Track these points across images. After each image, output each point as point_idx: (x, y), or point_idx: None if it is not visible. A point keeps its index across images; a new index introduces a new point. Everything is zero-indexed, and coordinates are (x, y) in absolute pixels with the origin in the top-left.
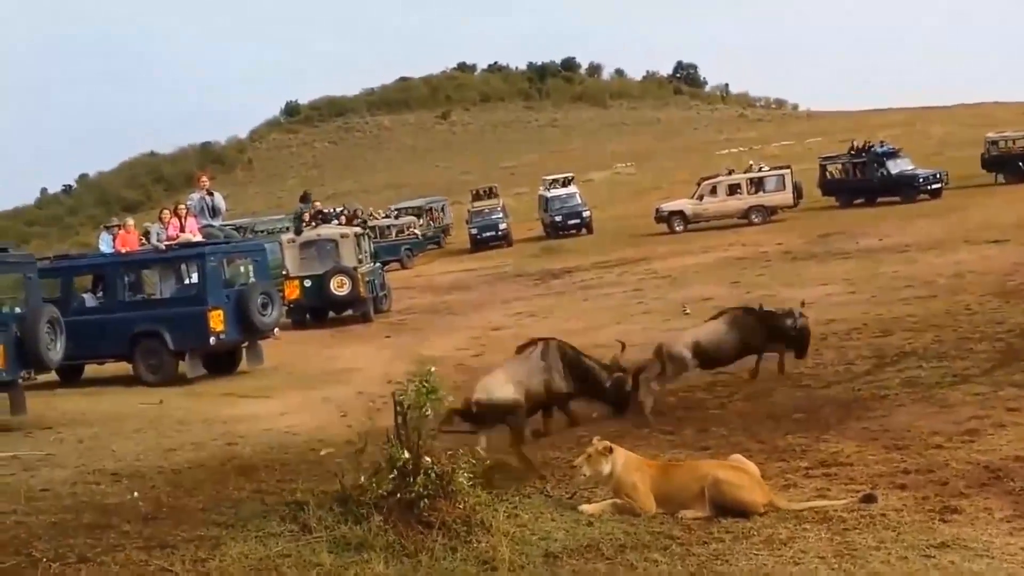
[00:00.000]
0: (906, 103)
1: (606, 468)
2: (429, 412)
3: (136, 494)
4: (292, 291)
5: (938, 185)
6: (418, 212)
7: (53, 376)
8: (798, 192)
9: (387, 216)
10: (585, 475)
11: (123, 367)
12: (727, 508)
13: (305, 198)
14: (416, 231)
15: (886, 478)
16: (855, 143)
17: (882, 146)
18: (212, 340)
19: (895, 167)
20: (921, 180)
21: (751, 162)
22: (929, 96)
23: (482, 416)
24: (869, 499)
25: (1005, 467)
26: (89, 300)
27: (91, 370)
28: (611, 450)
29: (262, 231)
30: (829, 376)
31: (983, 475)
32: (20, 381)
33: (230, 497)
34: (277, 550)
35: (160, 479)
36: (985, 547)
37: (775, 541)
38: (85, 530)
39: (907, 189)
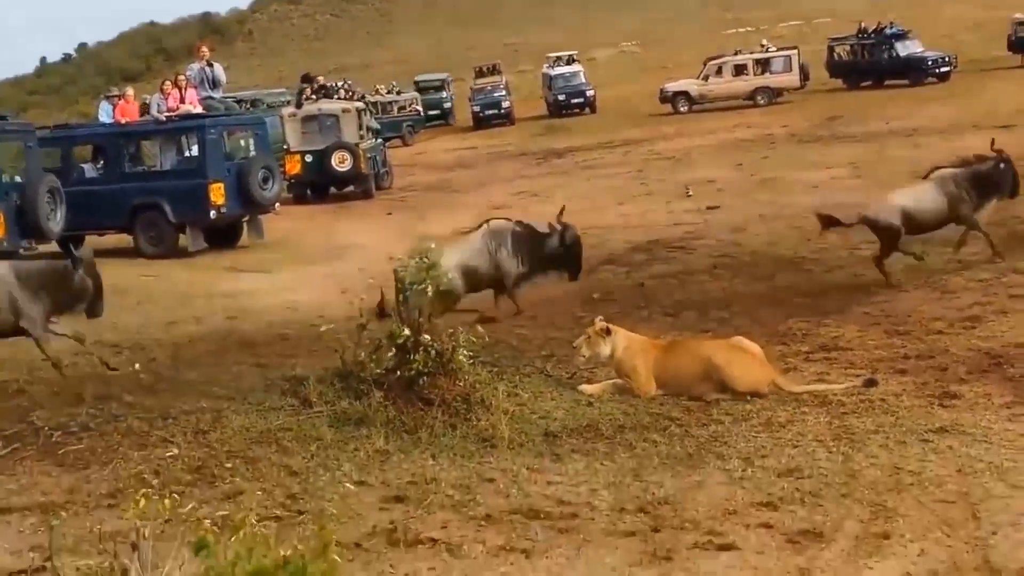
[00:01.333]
0: None
1: (605, 350)
2: (429, 289)
3: (137, 366)
4: (293, 166)
5: (947, 68)
6: (440, 85)
7: (54, 247)
8: (805, 74)
9: (390, 92)
10: (584, 356)
11: (124, 239)
12: (728, 388)
13: (307, 79)
14: (418, 107)
15: (886, 363)
16: (864, 24)
17: (891, 27)
18: (212, 213)
19: (904, 49)
20: (930, 63)
21: (764, 41)
22: None
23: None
24: (870, 383)
25: (1006, 353)
26: (89, 171)
27: (91, 242)
28: (609, 331)
29: (270, 104)
30: (832, 260)
31: (984, 361)
32: (21, 251)
33: (231, 371)
34: (278, 424)
35: (161, 352)
36: (984, 433)
37: (774, 424)
38: (87, 400)
39: (915, 72)
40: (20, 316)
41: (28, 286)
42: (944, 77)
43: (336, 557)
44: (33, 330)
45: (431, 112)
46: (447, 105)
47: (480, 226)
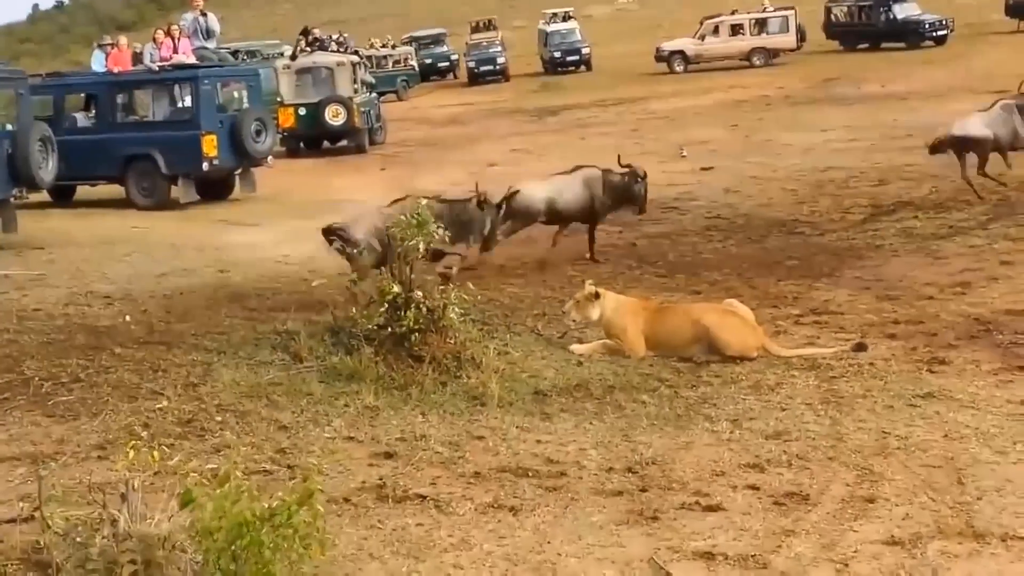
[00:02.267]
0: None
1: (594, 313)
2: (421, 245)
3: (128, 317)
4: (286, 119)
5: (944, 32)
6: (438, 39)
7: (45, 196)
8: (801, 35)
9: (384, 46)
10: (574, 320)
11: (116, 189)
12: (717, 352)
13: (306, 32)
14: (413, 63)
15: (876, 327)
16: None
17: None
18: (205, 165)
19: (901, 12)
20: (927, 26)
21: (765, 1)
22: None
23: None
24: (860, 347)
25: (995, 320)
26: (81, 120)
27: (83, 192)
28: (598, 295)
29: (267, 55)
30: (824, 224)
31: (973, 327)
32: (12, 199)
33: (221, 324)
34: (268, 378)
35: (152, 303)
36: (971, 398)
37: (763, 386)
38: (77, 351)
39: (912, 35)
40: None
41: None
42: (941, 41)
43: (319, 507)
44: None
45: (440, 65)
46: (454, 58)
47: (995, 103)
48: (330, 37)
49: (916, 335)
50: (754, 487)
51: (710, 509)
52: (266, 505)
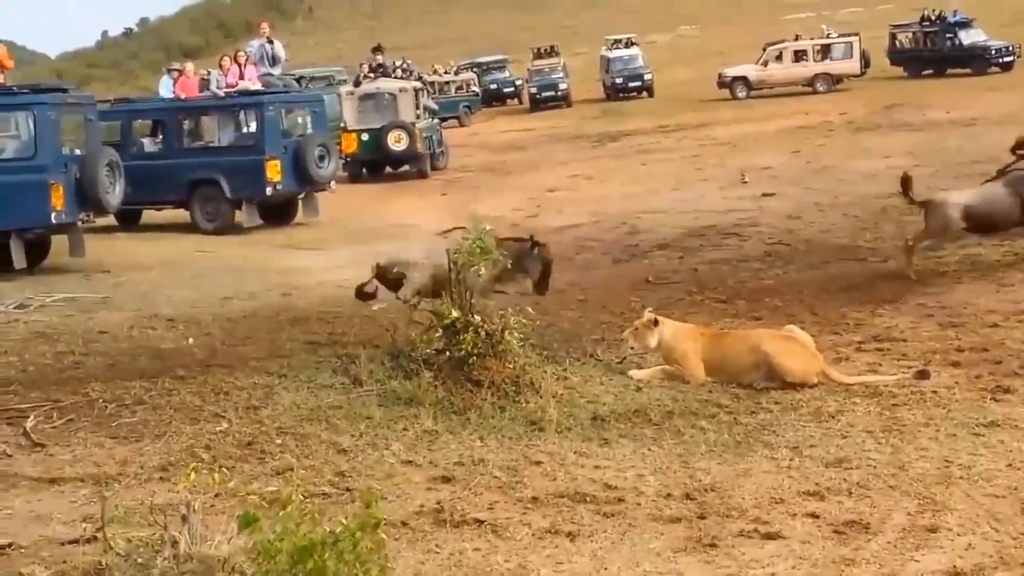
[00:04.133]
0: None
1: (652, 341)
2: (482, 271)
3: (191, 340)
4: (349, 144)
5: (1011, 58)
6: (502, 65)
7: (112, 220)
8: (866, 61)
9: (447, 72)
10: (632, 348)
11: (181, 214)
12: (777, 378)
13: (377, 50)
14: (475, 88)
15: (939, 355)
16: (927, 12)
17: (955, 15)
18: (269, 190)
19: (967, 38)
20: (993, 52)
21: (824, 27)
22: None
23: None
24: (922, 375)
25: None
26: (148, 145)
27: (148, 216)
28: (657, 323)
29: (340, 81)
30: (888, 250)
31: None
32: (79, 223)
33: (283, 347)
34: (328, 401)
35: (215, 326)
36: None
37: (823, 414)
38: (141, 373)
39: (978, 61)
40: None
41: None
42: (1008, 67)
43: (383, 535)
44: None
45: (505, 90)
46: (517, 83)
47: None
48: (394, 63)
49: (980, 363)
50: (814, 515)
51: (769, 537)
52: (328, 529)
